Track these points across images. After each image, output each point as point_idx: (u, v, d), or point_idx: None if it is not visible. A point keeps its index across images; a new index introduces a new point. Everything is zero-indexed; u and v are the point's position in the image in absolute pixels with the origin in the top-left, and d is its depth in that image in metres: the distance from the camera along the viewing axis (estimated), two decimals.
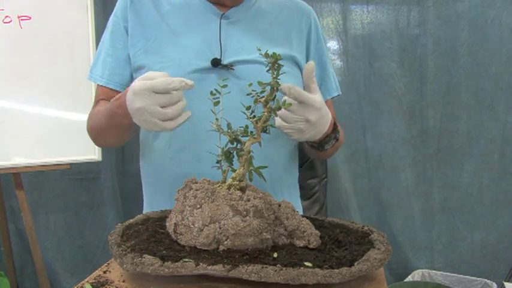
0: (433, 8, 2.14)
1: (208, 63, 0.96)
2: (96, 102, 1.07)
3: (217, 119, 0.74)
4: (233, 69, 0.97)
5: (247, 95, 0.74)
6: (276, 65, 0.71)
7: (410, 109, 2.21)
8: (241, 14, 1.03)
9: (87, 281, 0.65)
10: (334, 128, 0.91)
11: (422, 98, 2.20)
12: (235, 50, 0.99)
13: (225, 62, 0.97)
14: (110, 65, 1.04)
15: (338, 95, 1.14)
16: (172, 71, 0.96)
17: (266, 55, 0.71)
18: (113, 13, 1.06)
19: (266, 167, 0.77)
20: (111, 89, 1.04)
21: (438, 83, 2.18)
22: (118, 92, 1.04)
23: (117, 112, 0.86)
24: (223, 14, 1.01)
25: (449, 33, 2.15)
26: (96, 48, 1.76)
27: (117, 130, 0.97)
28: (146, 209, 1.09)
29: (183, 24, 1.01)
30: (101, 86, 1.06)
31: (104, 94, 1.06)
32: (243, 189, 0.71)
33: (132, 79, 1.04)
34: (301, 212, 1.09)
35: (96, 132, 1.05)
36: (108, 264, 0.73)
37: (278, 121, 0.80)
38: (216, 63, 0.96)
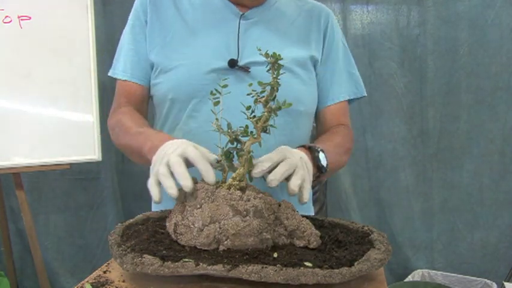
0: (433, 8, 2.14)
1: (225, 64, 0.96)
2: (119, 104, 1.04)
3: (217, 119, 0.74)
4: (249, 71, 0.97)
5: (248, 95, 0.74)
6: (276, 65, 0.71)
7: (410, 109, 2.21)
8: (260, 15, 1.03)
9: (87, 281, 0.65)
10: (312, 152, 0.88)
11: (422, 98, 2.20)
12: (252, 51, 0.98)
13: (242, 62, 0.97)
14: (132, 58, 1.03)
15: (360, 97, 1.12)
16: (188, 69, 0.97)
17: (266, 55, 0.70)
18: (133, 8, 1.06)
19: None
20: (134, 83, 1.03)
21: (438, 83, 2.18)
22: (140, 86, 1.04)
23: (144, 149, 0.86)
24: (243, 14, 1.01)
25: (449, 33, 2.15)
26: (97, 48, 1.78)
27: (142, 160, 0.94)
28: (154, 210, 1.08)
29: (202, 22, 1.01)
30: (123, 80, 1.04)
31: (126, 89, 1.04)
32: (243, 189, 0.71)
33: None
34: (311, 213, 1.09)
35: (122, 149, 1.02)
36: (108, 264, 0.73)
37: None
38: (233, 64, 0.96)
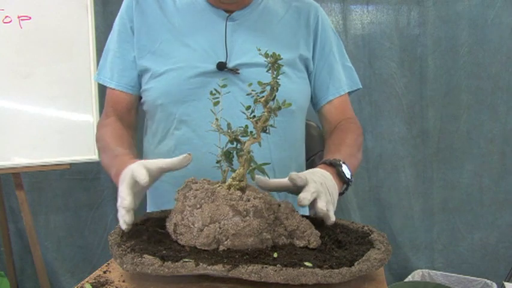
0: (433, 8, 2.14)
1: (213, 66, 0.96)
2: (106, 113, 1.06)
3: (217, 119, 0.74)
4: (238, 73, 0.96)
5: (247, 95, 0.74)
6: (276, 65, 0.71)
7: (410, 109, 2.21)
8: (247, 15, 1.02)
9: (87, 281, 0.65)
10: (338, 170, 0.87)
11: (422, 98, 2.20)
12: (240, 53, 0.98)
13: (230, 64, 0.96)
14: (118, 66, 1.03)
15: (356, 90, 1.12)
16: (177, 74, 0.97)
17: (266, 55, 0.70)
18: (119, 14, 1.06)
19: (269, 163, 0.77)
20: (120, 91, 1.03)
21: (438, 83, 2.18)
22: (127, 94, 1.04)
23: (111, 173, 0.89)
24: (229, 15, 1.00)
25: (449, 33, 2.15)
26: (97, 48, 1.78)
27: None
28: (149, 210, 1.09)
29: (189, 25, 1.01)
30: (111, 88, 1.04)
31: (113, 98, 1.05)
32: (243, 189, 0.71)
33: (139, 81, 1.04)
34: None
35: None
36: (108, 264, 0.73)
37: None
38: (221, 66, 0.96)
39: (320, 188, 0.75)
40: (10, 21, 1.72)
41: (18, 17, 1.72)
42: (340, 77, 1.08)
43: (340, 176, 0.85)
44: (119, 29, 1.04)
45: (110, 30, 1.08)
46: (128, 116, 1.06)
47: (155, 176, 0.76)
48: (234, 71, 0.96)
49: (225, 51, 0.97)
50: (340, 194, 0.86)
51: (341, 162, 0.86)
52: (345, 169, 0.86)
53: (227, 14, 1.00)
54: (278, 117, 0.97)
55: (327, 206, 0.75)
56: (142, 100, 1.06)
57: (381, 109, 2.21)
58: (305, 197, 0.72)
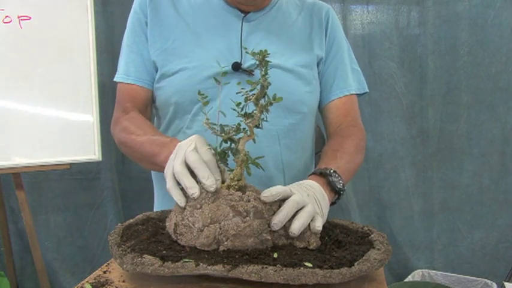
0: (433, 8, 2.14)
1: (228, 67, 0.95)
2: (124, 108, 1.01)
3: (207, 119, 0.73)
4: (253, 74, 0.96)
5: (237, 93, 0.73)
6: (264, 62, 0.70)
7: (410, 109, 2.21)
8: (262, 17, 1.02)
9: (87, 281, 0.65)
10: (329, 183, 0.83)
11: (422, 98, 2.20)
12: None
13: (245, 65, 0.96)
14: (135, 61, 1.01)
15: (363, 94, 1.12)
16: (192, 73, 0.96)
17: (253, 53, 0.70)
18: (132, 10, 1.04)
19: (262, 156, 0.76)
20: (139, 86, 1.01)
21: (438, 83, 2.18)
22: (145, 89, 1.01)
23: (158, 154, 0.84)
24: (245, 16, 1.00)
25: (449, 33, 2.15)
26: (97, 48, 1.78)
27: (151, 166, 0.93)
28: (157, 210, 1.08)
29: (204, 25, 1.00)
30: (127, 84, 1.01)
31: (130, 93, 1.01)
32: (241, 189, 0.71)
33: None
34: None
35: (131, 155, 0.99)
36: (108, 264, 0.73)
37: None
38: (236, 67, 0.95)
39: (306, 199, 0.72)
40: (10, 21, 1.71)
41: (18, 17, 1.72)
42: (346, 78, 1.08)
43: (330, 185, 0.83)
44: (133, 24, 1.03)
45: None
46: (145, 113, 1.04)
47: None
48: (249, 72, 0.96)
49: (240, 52, 0.97)
50: (332, 203, 0.84)
51: (332, 172, 0.84)
52: (336, 178, 0.83)
53: (243, 15, 1.00)
54: (289, 119, 0.98)
55: (315, 217, 0.72)
56: (153, 97, 1.05)
57: (381, 109, 2.22)
58: (275, 222, 0.68)
